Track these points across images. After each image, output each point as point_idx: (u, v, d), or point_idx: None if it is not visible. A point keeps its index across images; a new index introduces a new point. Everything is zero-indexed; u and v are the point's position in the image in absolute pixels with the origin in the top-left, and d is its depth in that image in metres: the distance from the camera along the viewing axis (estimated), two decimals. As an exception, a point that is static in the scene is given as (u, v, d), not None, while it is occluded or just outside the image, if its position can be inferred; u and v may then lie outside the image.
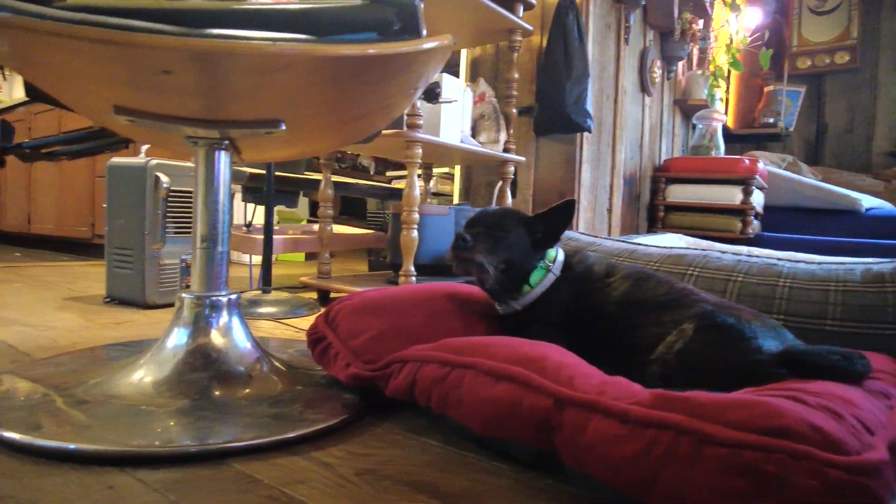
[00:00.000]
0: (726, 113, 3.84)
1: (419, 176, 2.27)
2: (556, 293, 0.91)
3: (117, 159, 1.62)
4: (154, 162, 1.56)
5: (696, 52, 3.43)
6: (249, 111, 0.78)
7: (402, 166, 3.77)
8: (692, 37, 3.09)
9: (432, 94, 1.08)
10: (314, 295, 1.93)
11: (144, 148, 1.62)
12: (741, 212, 2.86)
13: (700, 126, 3.30)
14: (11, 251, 3.48)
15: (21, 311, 1.48)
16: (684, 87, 3.46)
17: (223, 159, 0.90)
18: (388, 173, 3.30)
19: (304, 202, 4.00)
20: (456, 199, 2.57)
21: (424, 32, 0.76)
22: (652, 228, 3.12)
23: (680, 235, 2.36)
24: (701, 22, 3.19)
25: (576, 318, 0.89)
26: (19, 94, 3.91)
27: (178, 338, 0.86)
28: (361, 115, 0.94)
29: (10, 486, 0.57)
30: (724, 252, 1.33)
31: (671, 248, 1.51)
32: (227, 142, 0.88)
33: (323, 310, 0.97)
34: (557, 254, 0.95)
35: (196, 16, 0.64)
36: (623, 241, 1.51)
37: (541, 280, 0.91)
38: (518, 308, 0.93)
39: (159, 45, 0.55)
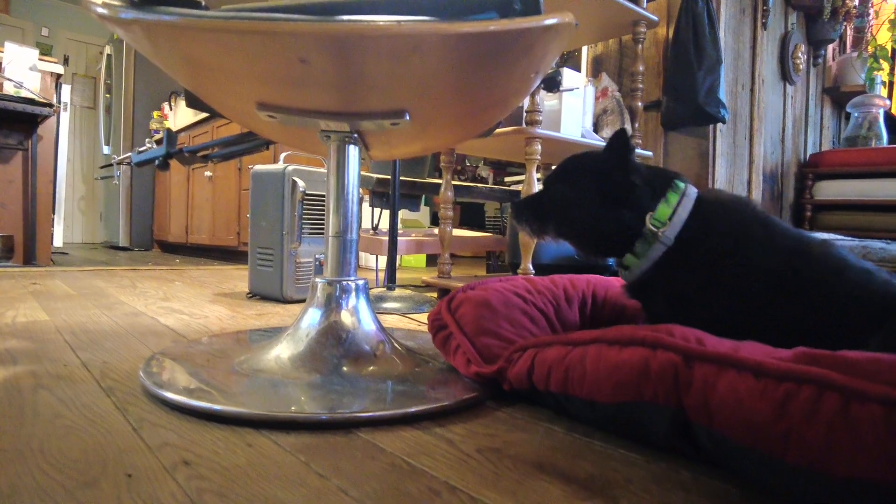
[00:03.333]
0: (890, 98, 3.39)
1: (539, 179, 2.24)
2: (674, 270, 0.69)
3: (260, 166, 1.78)
4: (291, 168, 1.69)
5: (850, 32, 3.07)
6: (376, 102, 0.81)
7: (519, 172, 3.76)
8: (846, 15, 2.78)
9: (553, 83, 1.06)
10: (435, 294, 1.97)
11: (283, 155, 1.76)
12: (912, 208, 2.50)
13: (856, 114, 2.94)
14: (173, 258, 3.94)
15: (182, 304, 1.66)
16: (836, 72, 3.11)
17: (352, 153, 0.95)
18: (507, 179, 3.31)
19: (426, 210, 4.12)
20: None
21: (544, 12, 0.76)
22: (799, 230, 2.83)
23: (833, 237, 2.12)
24: (856, -2, 2.86)
25: (736, 315, 0.69)
26: (182, 122, 4.44)
27: (311, 318, 0.91)
28: (483, 107, 0.95)
29: (170, 437, 0.64)
30: (888, 242, 1.17)
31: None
32: (356, 135, 0.92)
33: (447, 296, 0.98)
34: (678, 208, 0.69)
35: (327, 7, 0.69)
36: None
37: (646, 252, 0.71)
38: (630, 283, 0.77)
39: (297, 31, 0.60)
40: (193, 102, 1.08)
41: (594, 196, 0.73)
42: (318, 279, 0.94)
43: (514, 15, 0.73)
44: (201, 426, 0.68)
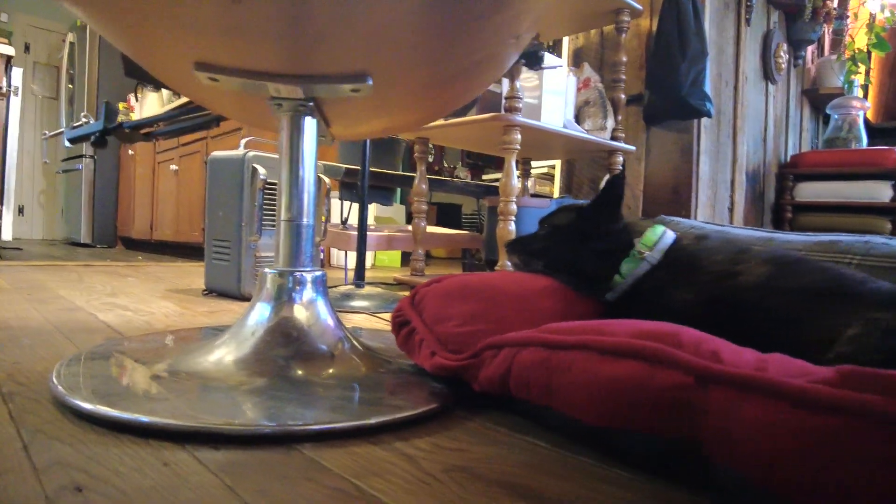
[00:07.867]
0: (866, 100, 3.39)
1: (518, 175, 2.15)
2: (655, 281, 0.79)
3: (218, 153, 1.65)
4: (252, 154, 1.57)
5: (829, 34, 3.06)
6: (332, 60, 0.71)
7: (497, 171, 3.67)
8: (825, 17, 2.75)
9: (535, 58, 0.96)
10: (407, 292, 1.87)
11: (244, 141, 1.64)
12: (891, 210, 2.48)
13: (836, 116, 2.92)
14: (135, 255, 3.76)
15: (128, 300, 1.53)
16: (814, 74, 3.09)
17: (308, 125, 0.84)
18: (484, 176, 3.22)
19: (401, 208, 4.00)
20: (557, 196, 2.42)
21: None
22: (779, 230, 2.79)
23: (836, 236, 2.07)
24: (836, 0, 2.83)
25: (698, 310, 0.73)
26: (148, 112, 4.25)
27: (260, 313, 0.80)
28: (456, 74, 0.85)
29: (67, 453, 0.52)
30: (890, 238, 1.10)
31: (817, 234, 1.29)
32: (311, 104, 0.81)
33: (410, 292, 0.88)
34: (662, 237, 0.81)
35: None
36: (757, 230, 1.31)
37: (632, 270, 0.80)
38: (611, 300, 0.81)
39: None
40: (131, 70, 0.96)
41: (573, 235, 0.84)
42: (267, 269, 0.83)
43: (490, -39, 0.63)
44: (111, 440, 0.56)
